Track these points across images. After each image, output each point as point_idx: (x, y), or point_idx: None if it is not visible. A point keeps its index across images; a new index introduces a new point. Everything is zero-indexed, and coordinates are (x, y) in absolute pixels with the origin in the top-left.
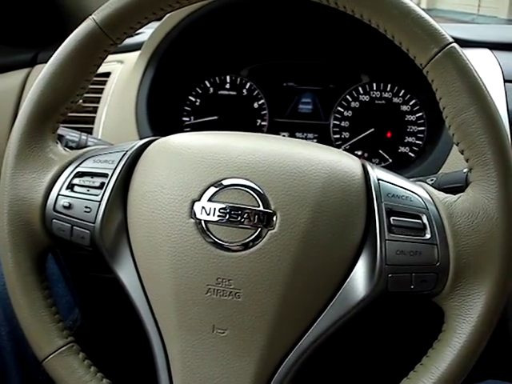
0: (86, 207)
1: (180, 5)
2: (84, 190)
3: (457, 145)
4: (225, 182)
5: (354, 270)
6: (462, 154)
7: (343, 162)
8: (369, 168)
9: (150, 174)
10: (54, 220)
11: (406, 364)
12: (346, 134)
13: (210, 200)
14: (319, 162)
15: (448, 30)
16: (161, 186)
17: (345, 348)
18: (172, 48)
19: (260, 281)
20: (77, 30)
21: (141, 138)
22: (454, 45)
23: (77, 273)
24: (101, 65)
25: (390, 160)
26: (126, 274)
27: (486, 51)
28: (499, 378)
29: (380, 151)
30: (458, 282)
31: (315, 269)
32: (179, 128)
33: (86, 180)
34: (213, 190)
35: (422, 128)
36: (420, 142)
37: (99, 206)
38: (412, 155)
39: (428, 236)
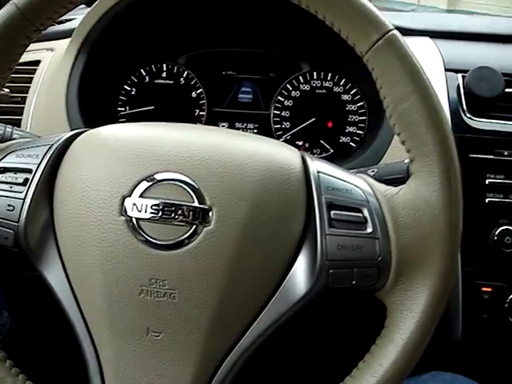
0: (9, 205)
1: None
2: (6, 186)
3: (398, 135)
4: (157, 177)
5: (294, 266)
6: (403, 144)
7: (281, 154)
8: (308, 160)
9: (76, 168)
10: None
11: (350, 362)
12: (286, 124)
13: (141, 196)
14: (256, 155)
15: (388, 18)
16: (89, 181)
17: (288, 346)
18: (104, 34)
19: (196, 280)
20: None
21: (72, 130)
22: (395, 32)
23: (4, 273)
24: (23, 53)
25: (332, 150)
26: (53, 276)
27: (427, 39)
28: (443, 369)
29: (321, 141)
30: (401, 277)
31: (254, 266)
32: (114, 119)
33: (9, 176)
34: (145, 184)
35: (363, 118)
36: (361, 132)
37: (23, 204)
38: (353, 145)
39: (369, 230)
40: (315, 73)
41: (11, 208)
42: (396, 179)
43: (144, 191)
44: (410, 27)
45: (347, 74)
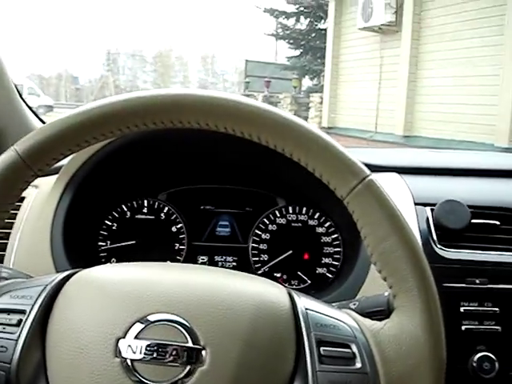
0: (2, 346)
1: (105, 137)
2: (0, 328)
3: (379, 272)
4: (151, 318)
5: None
6: (385, 280)
7: (270, 292)
8: (295, 297)
9: (70, 310)
10: None
11: None
12: (264, 257)
13: (136, 337)
14: (246, 294)
15: (358, 156)
16: (82, 323)
17: None
18: (91, 173)
19: None
20: None
21: (56, 267)
22: (372, 177)
23: None
24: (20, 195)
25: (309, 281)
26: None
27: (395, 175)
28: None
29: (298, 273)
30: None
31: None
32: (95, 254)
33: (2, 317)
34: (139, 326)
35: (338, 249)
36: (337, 263)
37: (16, 346)
38: (330, 276)
39: (358, 365)
40: (291, 207)
41: (4, 349)
42: (377, 312)
43: (139, 333)
44: (380, 164)
45: (321, 208)
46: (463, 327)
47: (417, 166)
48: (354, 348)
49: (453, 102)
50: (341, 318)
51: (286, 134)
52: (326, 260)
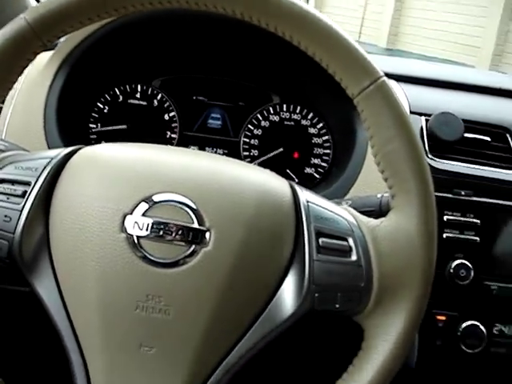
0: (6, 216)
1: (118, 13)
2: (4, 197)
3: (382, 173)
4: (159, 197)
5: (281, 288)
6: (386, 181)
7: (273, 182)
8: (298, 189)
9: (76, 184)
10: None
11: (328, 380)
12: (255, 152)
13: (143, 215)
14: (251, 181)
15: None
16: (89, 197)
17: (272, 363)
18: (86, 54)
19: (191, 298)
20: (5, 28)
21: (49, 146)
22: (385, 79)
23: None
24: (27, 67)
25: (297, 180)
26: (44, 289)
27: (394, 82)
28: None
29: (287, 170)
30: (379, 302)
31: (245, 286)
32: (86, 135)
33: (7, 187)
34: (145, 205)
35: (328, 151)
36: (325, 165)
37: (20, 216)
38: (317, 176)
39: (354, 258)
40: (285, 105)
41: (8, 219)
42: (368, 212)
43: (146, 210)
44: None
45: (315, 109)
46: (444, 235)
47: (412, 75)
48: (351, 241)
49: (439, 18)
50: (340, 212)
51: (304, 27)
52: (315, 161)
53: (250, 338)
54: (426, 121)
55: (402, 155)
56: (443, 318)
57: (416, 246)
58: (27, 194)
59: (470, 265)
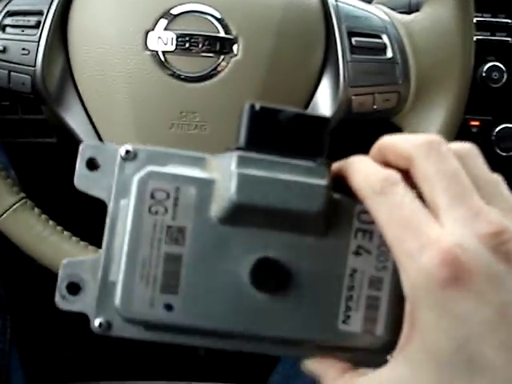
0: (24, 49)
1: None
2: (18, 30)
3: None
4: (179, 9)
5: (317, 93)
6: None
7: None
8: None
9: (91, 6)
10: None
11: None
12: None
13: (166, 29)
14: None
15: None
16: (105, 18)
17: None
18: None
19: (226, 111)
20: None
21: None
22: None
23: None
24: None
25: None
26: (74, 118)
27: None
28: None
29: None
30: (418, 100)
31: (280, 93)
32: None
33: (20, 19)
34: (168, 17)
35: None
36: None
37: (38, 47)
38: None
39: (389, 55)
40: None
41: (26, 52)
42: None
43: (168, 24)
44: None
45: None
46: (475, 37)
47: None
48: (385, 38)
49: None
50: (371, 10)
51: None
52: None
53: None
54: None
55: None
56: (477, 123)
57: (454, 37)
58: (41, 24)
59: (503, 67)
